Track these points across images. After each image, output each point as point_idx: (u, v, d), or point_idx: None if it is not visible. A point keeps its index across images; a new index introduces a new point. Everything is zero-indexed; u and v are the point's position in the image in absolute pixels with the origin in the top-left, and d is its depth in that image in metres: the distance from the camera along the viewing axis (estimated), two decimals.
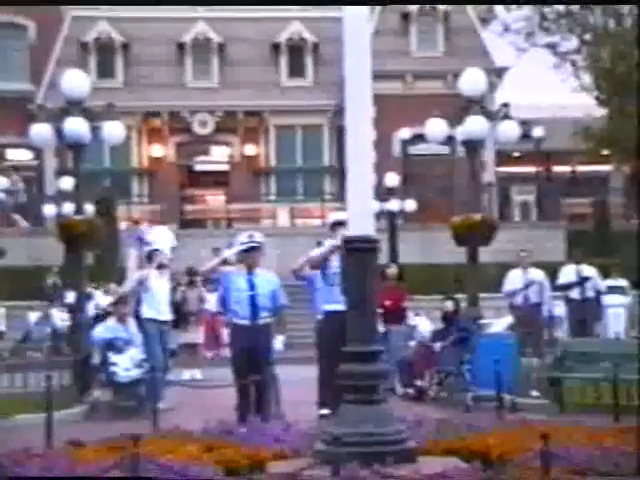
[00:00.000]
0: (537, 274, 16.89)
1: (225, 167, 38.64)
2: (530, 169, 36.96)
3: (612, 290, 20.80)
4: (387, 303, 15.19)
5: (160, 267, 14.29)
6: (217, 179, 38.62)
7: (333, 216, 11.72)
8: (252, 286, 10.26)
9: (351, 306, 6.56)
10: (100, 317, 17.21)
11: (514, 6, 37.49)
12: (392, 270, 16.19)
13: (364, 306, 6.50)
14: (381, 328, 15.73)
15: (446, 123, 16.03)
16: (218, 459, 6.70)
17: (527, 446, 6.45)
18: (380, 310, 15.80)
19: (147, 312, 14.07)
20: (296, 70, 38.21)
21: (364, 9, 6.68)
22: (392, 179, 29.08)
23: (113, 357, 13.71)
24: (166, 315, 14.37)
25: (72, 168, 16.60)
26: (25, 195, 35.50)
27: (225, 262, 10.65)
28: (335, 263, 10.46)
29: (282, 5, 37.87)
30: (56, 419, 10.20)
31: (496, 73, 34.53)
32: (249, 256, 10.28)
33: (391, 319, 15.45)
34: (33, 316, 24.33)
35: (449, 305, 15.34)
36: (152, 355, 13.79)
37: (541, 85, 39.39)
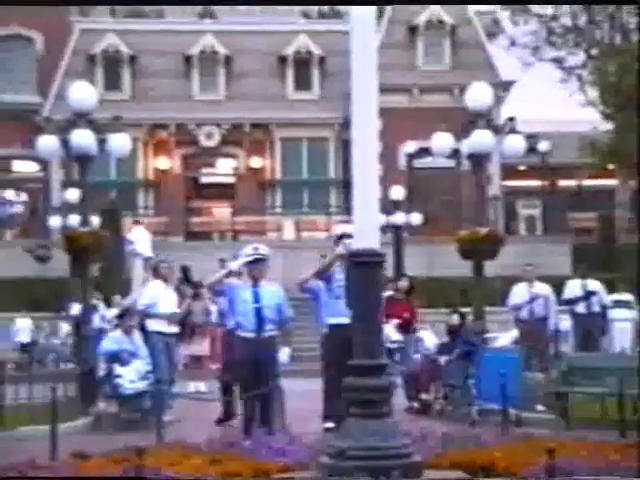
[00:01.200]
0: (543, 288, 16.87)
1: (231, 179, 38.68)
2: (536, 183, 36.97)
3: (618, 304, 20.77)
4: (404, 315, 15.33)
5: (165, 280, 14.34)
6: (223, 191, 38.65)
7: (339, 229, 11.73)
8: (257, 298, 10.26)
9: (356, 319, 6.56)
10: (106, 330, 17.19)
11: (521, 20, 37.59)
12: (403, 283, 16.22)
13: (370, 319, 6.49)
14: (399, 336, 15.83)
15: (452, 137, 16.04)
16: (223, 472, 6.69)
17: (532, 460, 6.44)
18: (397, 320, 15.89)
19: (154, 325, 14.10)
20: (302, 83, 38.27)
21: (372, 22, 6.69)
22: (398, 192, 29.09)
23: (118, 369, 13.70)
24: (173, 328, 14.41)
25: (78, 180, 16.64)
26: (22, 207, 35.56)
27: (231, 274, 10.65)
28: (340, 276, 10.47)
29: (289, 5, 37.82)
30: (61, 431, 10.19)
31: (502, 87, 34.56)
32: (254, 268, 10.28)
33: (403, 331, 15.56)
34: (65, 328, 23.96)
35: (455, 319, 15.32)
36: (158, 367, 13.79)
37: (547, 99, 39.36)
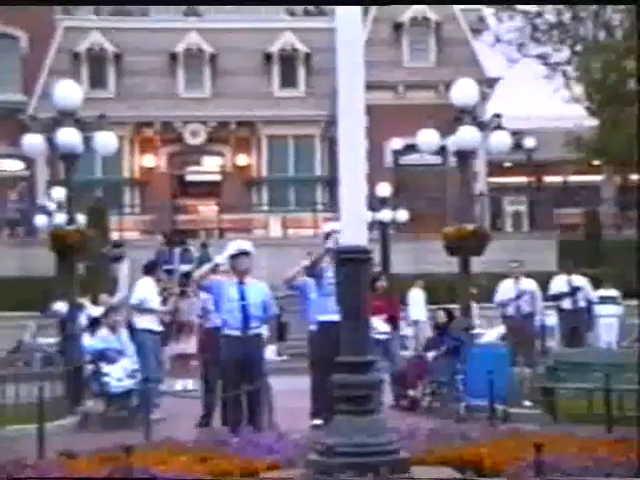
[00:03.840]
0: (529, 284, 16.90)
1: (217, 177, 38.64)
2: (522, 179, 37.06)
3: (604, 300, 20.85)
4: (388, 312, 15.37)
5: (159, 280, 14.47)
6: (209, 189, 38.61)
7: (327, 227, 11.74)
8: (243, 296, 10.27)
9: (345, 316, 6.56)
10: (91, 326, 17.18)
11: (506, 17, 37.68)
12: (381, 284, 16.21)
13: (358, 316, 6.50)
14: (387, 327, 15.86)
15: (438, 133, 16.05)
16: (211, 470, 6.69)
17: (520, 456, 6.46)
18: (384, 316, 15.93)
19: (143, 322, 14.11)
20: (288, 80, 38.25)
21: (357, 19, 6.69)
22: (384, 189, 29.09)
23: (105, 367, 13.68)
24: (158, 326, 14.47)
25: (64, 178, 16.58)
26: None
27: (216, 267, 10.65)
28: (330, 273, 10.49)
29: (281, 5, 37.82)
30: (48, 430, 10.17)
31: (488, 84, 34.61)
32: (239, 262, 10.30)
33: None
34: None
35: (442, 316, 15.35)
36: (146, 365, 13.79)
37: (532, 96, 39.47)
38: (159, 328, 14.48)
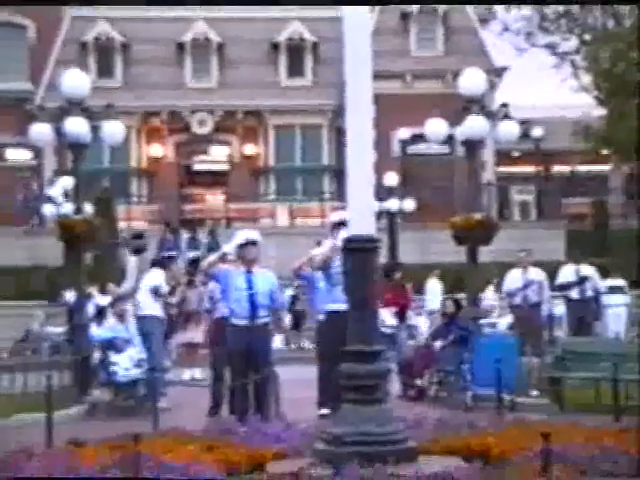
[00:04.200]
0: (536, 274, 16.87)
1: (224, 167, 38.63)
2: (529, 169, 36.99)
3: (612, 290, 20.81)
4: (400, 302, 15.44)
5: (165, 268, 14.52)
6: (216, 179, 38.62)
7: (334, 216, 11.71)
8: (251, 285, 10.27)
9: (352, 306, 6.56)
10: (100, 314, 17.24)
11: (514, 6, 37.57)
12: (399, 275, 16.32)
13: (365, 306, 6.50)
14: (394, 321, 15.91)
15: (446, 123, 16.03)
16: (218, 458, 6.70)
17: (527, 445, 6.45)
18: (394, 308, 15.98)
19: (152, 310, 14.17)
20: (295, 70, 38.20)
21: (364, 8, 6.68)
22: (391, 179, 29.08)
23: (113, 357, 13.71)
24: (163, 314, 14.57)
25: (72, 168, 16.59)
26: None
27: (224, 257, 10.65)
28: (337, 263, 10.46)
29: (282, 5, 37.81)
30: (56, 419, 10.20)
31: (495, 73, 34.53)
32: (246, 252, 10.30)
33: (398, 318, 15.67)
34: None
35: (449, 306, 15.34)
36: (154, 354, 13.83)
37: (540, 85, 39.38)
38: (164, 316, 14.58)
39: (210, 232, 30.15)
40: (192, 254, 27.90)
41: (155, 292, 14.24)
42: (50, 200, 28.54)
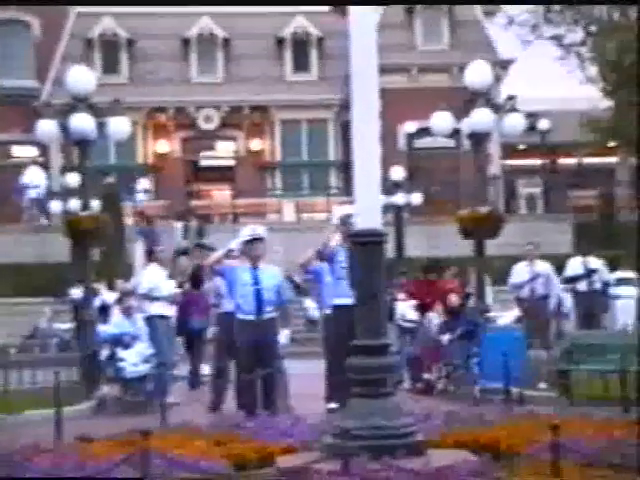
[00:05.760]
0: (543, 267, 16.85)
1: (231, 162, 38.63)
2: (536, 162, 36.87)
3: (621, 282, 20.75)
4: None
5: (162, 263, 14.47)
6: (223, 174, 38.62)
7: (338, 210, 11.69)
8: (257, 280, 10.29)
9: (359, 300, 6.56)
10: (104, 310, 17.24)
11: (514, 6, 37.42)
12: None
13: (372, 300, 6.50)
14: (414, 315, 15.86)
15: (452, 116, 15.99)
16: (227, 453, 6.71)
17: (536, 438, 6.45)
18: (415, 301, 15.95)
19: (155, 308, 14.15)
20: (301, 65, 38.17)
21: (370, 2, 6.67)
22: (398, 173, 29.07)
23: (121, 352, 13.72)
24: (171, 311, 14.55)
25: (78, 164, 16.60)
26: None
27: (230, 253, 10.66)
28: (342, 257, 10.47)
29: (289, 5, 37.79)
30: (65, 415, 10.22)
31: (501, 66, 34.48)
32: (252, 248, 10.32)
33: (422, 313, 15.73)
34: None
35: (454, 299, 15.32)
36: (160, 351, 13.83)
37: (547, 77, 39.25)
38: (171, 313, 14.54)
39: (198, 231, 30.08)
40: (184, 243, 28.04)
41: (148, 296, 14.19)
42: (26, 188, 28.82)
